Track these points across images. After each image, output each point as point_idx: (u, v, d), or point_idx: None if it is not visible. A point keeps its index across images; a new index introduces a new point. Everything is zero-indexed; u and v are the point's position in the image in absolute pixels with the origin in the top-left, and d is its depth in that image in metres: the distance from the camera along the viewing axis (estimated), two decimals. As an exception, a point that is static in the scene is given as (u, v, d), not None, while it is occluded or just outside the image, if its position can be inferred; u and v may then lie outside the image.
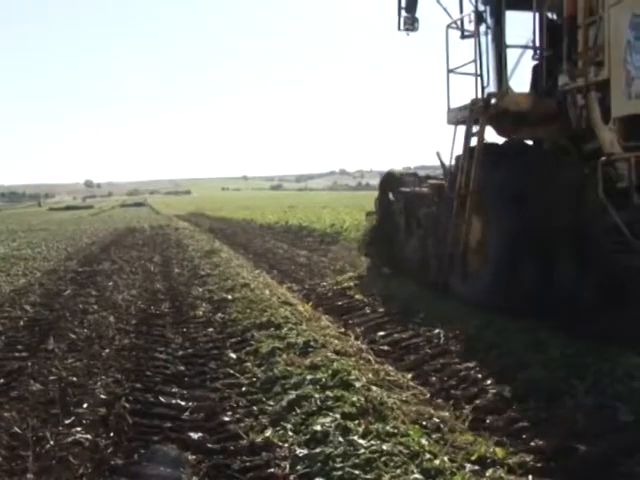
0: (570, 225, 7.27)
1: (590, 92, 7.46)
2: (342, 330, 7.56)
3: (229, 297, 9.33)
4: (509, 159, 8.25)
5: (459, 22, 9.66)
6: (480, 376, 5.70)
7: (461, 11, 9.75)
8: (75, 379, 5.81)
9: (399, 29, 10.12)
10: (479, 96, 9.05)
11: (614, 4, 6.73)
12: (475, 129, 8.93)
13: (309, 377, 5.22)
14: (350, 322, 8.24)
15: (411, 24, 10.08)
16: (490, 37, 9.40)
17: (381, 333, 7.55)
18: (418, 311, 8.24)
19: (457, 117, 9.62)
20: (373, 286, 10.38)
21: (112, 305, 9.38)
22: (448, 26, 9.73)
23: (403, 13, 10.16)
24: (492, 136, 9.23)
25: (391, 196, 12.03)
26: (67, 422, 4.72)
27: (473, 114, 8.96)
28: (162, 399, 5.32)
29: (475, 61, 9.14)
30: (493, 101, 8.81)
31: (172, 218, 42.48)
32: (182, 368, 6.23)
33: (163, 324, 8.24)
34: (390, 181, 12.30)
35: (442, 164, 9.99)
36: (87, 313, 8.85)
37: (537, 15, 8.70)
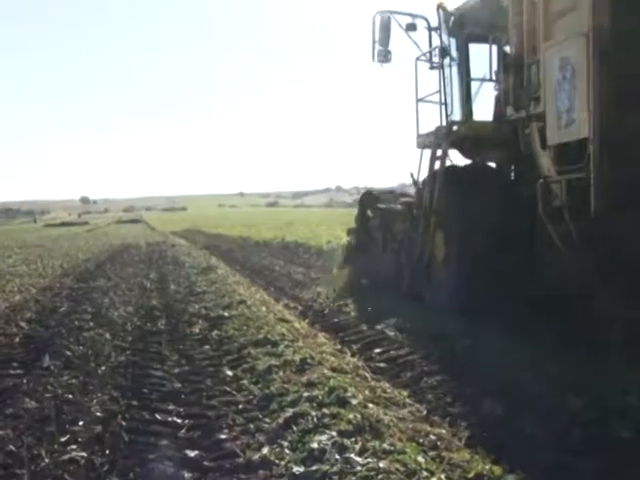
0: (521, 238, 8.19)
1: (531, 123, 8.31)
2: (338, 347, 7.56)
3: (225, 314, 9.32)
4: (467, 181, 9.28)
5: (428, 55, 10.53)
6: (476, 393, 5.69)
7: (430, 45, 10.55)
8: (71, 396, 5.78)
9: (373, 60, 10.74)
10: (443, 123, 10.14)
11: (548, 47, 7.57)
12: (439, 153, 9.98)
13: (306, 394, 5.21)
14: (346, 339, 8.24)
15: (384, 56, 10.67)
16: (453, 69, 10.44)
17: (377, 350, 7.55)
18: (413, 328, 8.25)
19: (424, 142, 10.71)
20: (364, 301, 10.45)
21: (108, 322, 9.35)
22: (417, 59, 10.64)
23: (377, 46, 10.72)
24: (458, 158, 10.33)
25: (369, 213, 13.03)
26: (62, 440, 4.69)
27: (437, 139, 10.13)
28: (158, 416, 5.31)
29: (440, 91, 10.21)
30: (455, 128, 10.04)
31: (168, 235, 42.50)
32: (178, 385, 6.21)
33: (159, 341, 8.22)
34: (368, 199, 13.31)
35: (415, 183, 10.81)
36: (83, 330, 8.82)
37: (495, 50, 10.00)
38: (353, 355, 7.09)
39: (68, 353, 7.43)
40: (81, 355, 7.37)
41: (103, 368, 6.76)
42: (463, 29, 10.43)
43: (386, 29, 10.67)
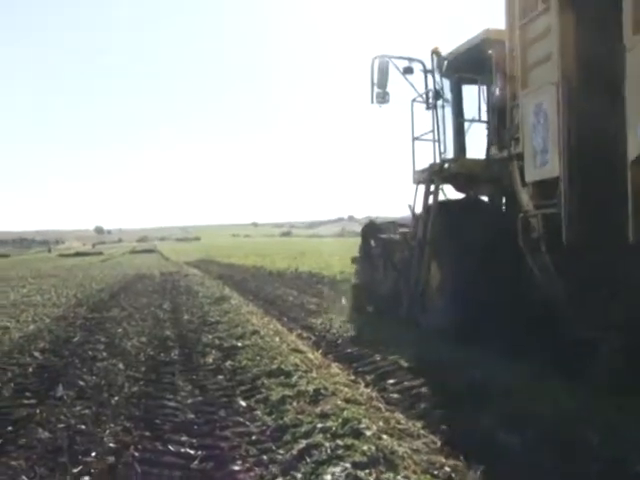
0: (509, 267, 8.70)
1: (513, 161, 9.15)
2: (352, 378, 7.52)
3: (239, 344, 9.30)
4: (457, 214, 10.15)
5: (424, 96, 11.35)
6: (491, 425, 5.63)
7: (426, 86, 11.38)
8: (84, 427, 5.78)
9: (372, 102, 11.36)
10: (437, 160, 11.00)
11: (525, 94, 8.50)
12: (432, 188, 10.82)
13: (319, 425, 5.18)
14: (360, 370, 8.20)
15: (382, 98, 11.28)
16: (446, 110, 11.43)
17: (391, 381, 7.50)
18: (427, 359, 8.19)
19: (419, 178, 11.49)
20: (376, 330, 10.45)
21: (121, 352, 9.36)
22: (413, 100, 11.49)
23: (375, 89, 11.31)
24: (452, 192, 11.27)
25: (372, 242, 13.75)
26: (75, 471, 4.69)
27: (430, 176, 10.95)
28: (171, 447, 5.28)
29: (433, 131, 11.09)
30: (447, 165, 10.89)
31: (182, 265, 42.56)
32: (191, 416, 6.18)
33: (172, 371, 8.20)
34: (371, 229, 14.08)
35: (413, 214, 11.63)
36: (96, 360, 8.83)
37: (485, 92, 11.00)
38: (367, 386, 7.05)
39: (81, 383, 7.43)
40: (94, 385, 7.37)
41: (116, 398, 6.76)
42: (455, 72, 11.37)
43: (384, 72, 11.26)
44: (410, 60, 11.43)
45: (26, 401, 6.87)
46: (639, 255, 6.28)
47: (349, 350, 9.52)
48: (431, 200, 10.82)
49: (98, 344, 10.16)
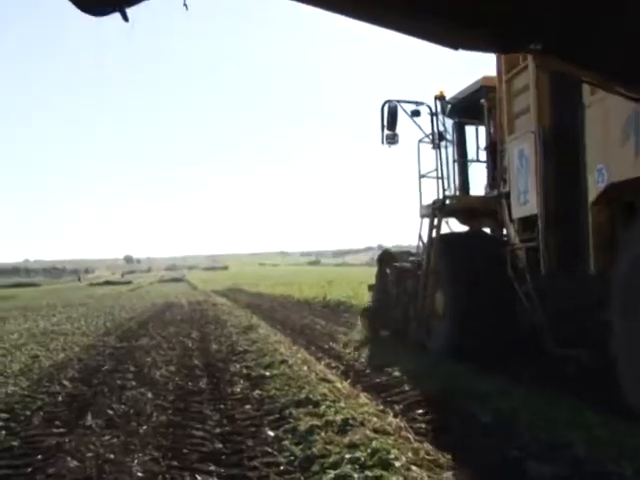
0: (504, 293, 9.57)
1: (502, 199, 10.19)
2: (381, 408, 7.46)
3: (267, 374, 9.28)
4: (457, 247, 11.08)
5: (430, 137, 12.30)
6: (522, 455, 5.56)
7: (432, 128, 12.30)
8: (112, 456, 5.79)
9: (382, 144, 12.02)
10: (440, 197, 11.87)
11: (510, 140, 9.72)
12: (436, 222, 11.80)
13: (348, 456, 5.13)
14: (389, 399, 8.14)
15: (392, 139, 11.96)
16: (448, 150, 12.45)
17: (420, 411, 7.44)
18: (455, 389, 8.13)
19: (425, 212, 12.44)
20: (406, 360, 10.33)
21: (150, 381, 9.39)
22: (420, 141, 12.50)
23: (385, 131, 12.01)
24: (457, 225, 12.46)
25: (387, 270, 14.62)
26: (104, 500, 4.69)
27: (434, 211, 11.84)
28: (199, 477, 5.27)
29: (436, 169, 12.12)
30: (448, 201, 11.85)
31: (210, 293, 42.69)
32: (219, 446, 6.17)
33: (200, 400, 8.20)
34: (386, 257, 15.09)
35: (421, 245, 12.67)
36: (125, 389, 8.86)
37: (483, 134, 12.03)
38: (395, 416, 6.98)
39: (110, 412, 7.46)
40: (123, 414, 7.39)
41: (145, 428, 6.77)
42: (456, 116, 12.52)
43: (393, 116, 11.94)
44: (417, 104, 12.26)
45: (55, 430, 6.91)
46: (599, 283, 7.08)
47: (377, 380, 9.46)
48: (434, 233, 11.79)
49: (127, 373, 10.21)
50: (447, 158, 12.39)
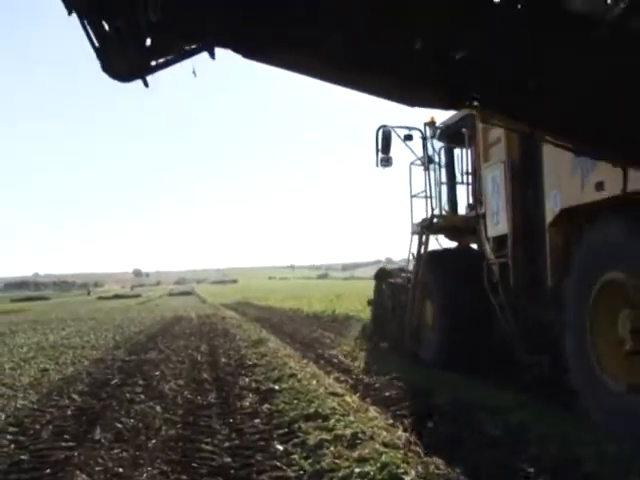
0: (484, 307, 10.30)
1: (480, 219, 11.05)
2: (390, 422, 7.43)
3: (276, 387, 9.26)
4: (443, 261, 12.04)
5: (422, 159, 13.15)
6: (532, 470, 5.53)
7: (424, 151, 13.15)
8: (121, 470, 5.79)
9: (377, 166, 12.68)
10: (428, 215, 12.72)
11: (485, 167, 10.73)
12: (424, 239, 12.57)
13: (357, 470, 5.11)
14: (398, 413, 8.11)
15: (386, 161, 12.58)
16: (436, 172, 13.29)
17: (429, 425, 7.41)
18: (464, 402, 8.11)
19: (415, 230, 13.28)
20: (414, 374, 10.30)
21: (159, 395, 9.39)
22: (411, 163, 13.30)
23: (380, 154, 12.63)
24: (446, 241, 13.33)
25: (383, 286, 15.47)
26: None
27: (422, 229, 12.75)
28: (208, 492, 5.25)
29: (425, 190, 12.93)
30: (435, 220, 12.68)
31: (219, 307, 42.69)
32: (228, 460, 6.15)
33: (209, 414, 8.19)
34: (383, 274, 15.95)
35: (411, 261, 13.55)
36: (134, 403, 8.86)
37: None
38: (405, 430, 6.95)
39: (119, 426, 7.45)
40: (132, 428, 7.39)
41: (153, 441, 6.76)
42: (445, 140, 13.18)
43: (387, 140, 12.59)
44: (410, 129, 13.13)
45: (64, 444, 6.91)
46: (555, 297, 7.89)
47: (387, 393, 9.42)
48: (423, 249, 12.60)
49: (136, 387, 10.21)
50: (436, 180, 13.26)
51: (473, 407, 7.80)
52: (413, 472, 5.05)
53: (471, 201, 12.31)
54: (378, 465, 5.15)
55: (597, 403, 6.80)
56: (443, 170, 13.39)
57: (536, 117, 5.29)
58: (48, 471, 5.94)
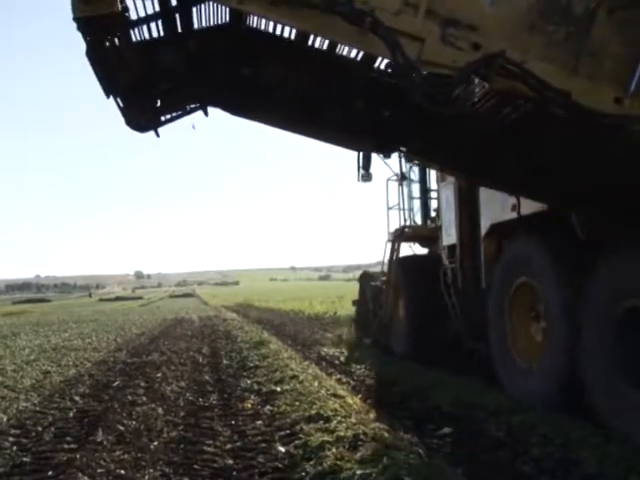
0: (440, 304, 11.73)
1: (438, 230, 12.69)
2: (392, 423, 7.43)
3: (278, 389, 9.25)
4: (410, 266, 13.81)
5: (396, 175, 15.05)
6: (534, 472, 5.53)
7: (400, 168, 14.99)
8: (123, 472, 5.78)
9: (358, 181, 13.54)
10: (400, 226, 14.80)
11: (442, 186, 12.54)
12: (396, 247, 14.33)
13: (359, 472, 5.09)
14: (399, 415, 8.11)
15: (367, 176, 13.18)
16: (410, 187, 15.25)
17: (431, 426, 7.42)
18: (465, 403, 8.13)
19: (389, 238, 14.89)
20: (416, 376, 10.29)
21: (161, 397, 9.39)
22: (388, 179, 15.37)
23: (361, 170, 12.96)
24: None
25: (366, 288, 16.95)
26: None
27: (395, 237, 14.54)
28: (210, 493, 5.24)
29: (398, 203, 15.12)
30: (406, 230, 14.66)
31: (220, 309, 42.71)
32: (230, 462, 6.14)
33: (211, 416, 8.18)
34: (365, 277, 17.83)
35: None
36: (136, 405, 8.86)
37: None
38: (407, 431, 6.95)
39: (121, 428, 7.44)
40: (134, 430, 7.38)
41: (155, 443, 6.76)
42: (412, 160, 14.01)
43: (368, 157, 12.87)
44: None
45: (66, 446, 6.89)
46: (486, 296, 9.71)
47: (388, 394, 9.44)
48: (395, 255, 14.32)
49: (138, 389, 10.20)
50: (408, 194, 15.20)
51: (476, 408, 7.81)
52: (415, 474, 5.04)
53: (434, 214, 14.19)
54: (380, 467, 5.14)
55: (509, 378, 8.82)
56: (415, 185, 15.26)
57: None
58: (50, 473, 5.93)
